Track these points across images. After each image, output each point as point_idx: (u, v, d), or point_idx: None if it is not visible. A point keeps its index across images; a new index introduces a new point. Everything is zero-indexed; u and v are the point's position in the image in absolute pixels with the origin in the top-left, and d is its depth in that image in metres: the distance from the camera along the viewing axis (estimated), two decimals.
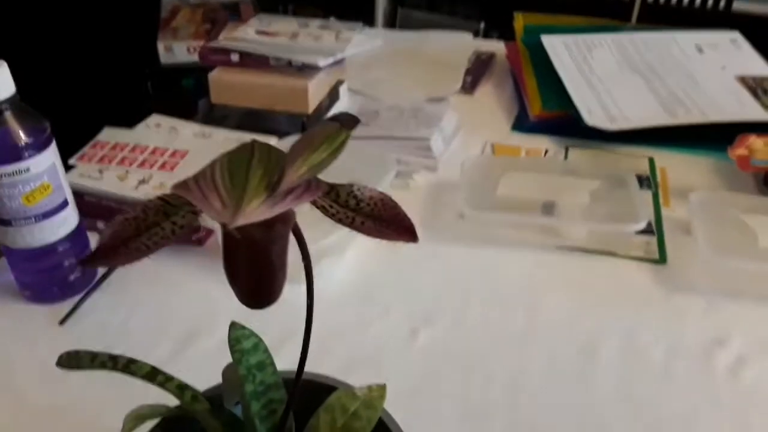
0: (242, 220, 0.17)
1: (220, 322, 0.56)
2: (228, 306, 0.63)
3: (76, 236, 0.57)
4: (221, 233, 0.22)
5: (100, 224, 0.66)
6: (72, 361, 0.31)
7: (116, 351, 0.53)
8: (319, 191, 0.19)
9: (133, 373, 0.30)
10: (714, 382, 0.52)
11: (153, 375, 0.30)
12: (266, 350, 0.33)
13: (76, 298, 0.58)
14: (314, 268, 0.64)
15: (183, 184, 0.19)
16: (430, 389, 0.51)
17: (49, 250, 0.55)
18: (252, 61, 0.79)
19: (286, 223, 0.22)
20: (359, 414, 0.32)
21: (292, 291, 0.59)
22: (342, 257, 0.63)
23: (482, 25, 1.90)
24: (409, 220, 0.24)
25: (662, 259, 0.64)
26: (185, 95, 1.27)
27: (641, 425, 0.48)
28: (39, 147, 0.51)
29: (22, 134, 0.50)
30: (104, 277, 0.60)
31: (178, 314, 0.58)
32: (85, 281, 0.59)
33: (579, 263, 0.64)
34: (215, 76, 0.79)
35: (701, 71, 0.90)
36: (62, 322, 0.56)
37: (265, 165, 0.20)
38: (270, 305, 0.23)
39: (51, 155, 0.53)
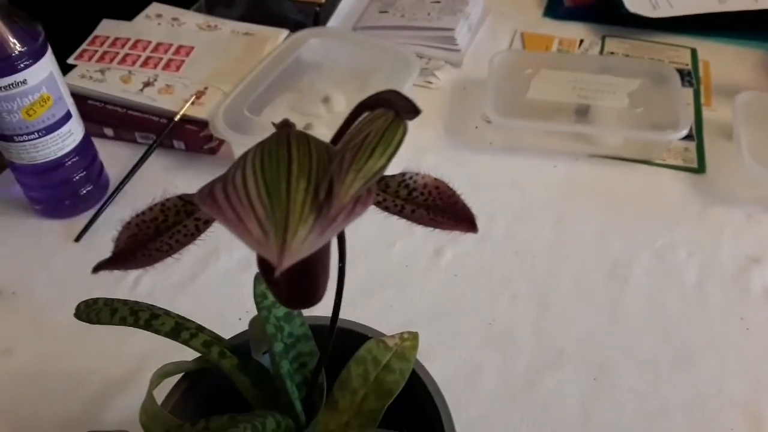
0: (290, 260, 0.14)
1: (238, 244, 0.55)
2: None
3: (83, 148, 0.54)
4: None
5: (107, 130, 0.62)
6: (91, 314, 0.30)
7: (136, 273, 0.53)
8: (371, 197, 0.16)
9: (156, 331, 0.29)
10: (747, 303, 0.50)
11: (177, 332, 0.29)
12: None
13: (90, 212, 0.56)
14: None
15: (211, 199, 0.16)
16: (454, 309, 0.50)
17: (57, 164, 0.52)
18: None
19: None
20: (392, 366, 0.31)
21: None
22: None
23: None
24: (468, 209, 0.21)
25: (701, 168, 0.61)
26: None
27: (670, 348, 0.47)
28: (34, 56, 0.47)
29: (14, 42, 0.45)
30: (118, 189, 0.58)
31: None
32: (98, 193, 0.57)
33: (612, 173, 0.61)
34: None
35: None
36: (77, 238, 0.54)
37: (308, 173, 0.16)
38: (312, 306, 0.21)
39: (48, 64, 0.48)
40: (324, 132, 0.55)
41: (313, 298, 0.20)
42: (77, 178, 0.54)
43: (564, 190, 0.59)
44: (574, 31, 0.77)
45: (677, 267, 0.53)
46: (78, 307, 0.31)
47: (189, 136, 0.60)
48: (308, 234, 0.15)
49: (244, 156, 0.18)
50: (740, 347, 0.47)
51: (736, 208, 0.57)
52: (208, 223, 0.20)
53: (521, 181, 0.60)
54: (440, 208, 0.20)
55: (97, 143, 0.58)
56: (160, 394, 0.31)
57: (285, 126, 0.20)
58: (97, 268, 0.20)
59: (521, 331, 0.48)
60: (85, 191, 0.55)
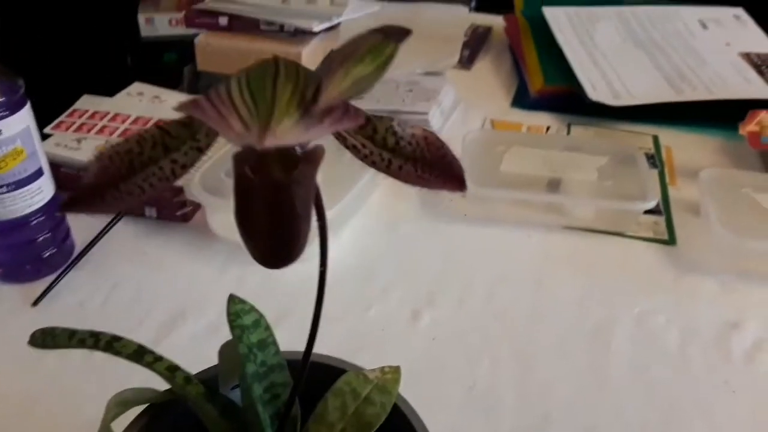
0: (272, 141, 0.14)
1: (208, 305, 0.53)
2: (216, 287, 0.59)
3: (52, 209, 0.53)
4: (234, 176, 0.18)
5: None
6: (47, 339, 0.27)
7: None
8: (360, 118, 0.16)
9: (117, 352, 0.27)
10: (730, 367, 0.49)
11: (140, 354, 0.27)
12: (268, 327, 0.29)
13: (51, 277, 0.54)
14: (308, 248, 0.60)
15: (191, 103, 0.15)
16: (434, 373, 0.48)
17: (22, 223, 0.51)
18: (241, 24, 0.74)
19: (313, 162, 0.18)
20: (372, 399, 0.29)
21: (284, 271, 0.56)
22: (338, 236, 0.59)
23: (473, 3, 1.86)
24: (458, 163, 0.20)
25: (671, 239, 0.62)
26: (168, 69, 1.22)
27: (655, 411, 0.46)
28: (11, 107, 0.47)
29: None
30: (82, 253, 0.56)
31: (163, 295, 0.54)
32: (62, 258, 0.55)
33: (586, 243, 0.61)
34: (202, 41, 0.74)
35: (706, 47, 0.87)
36: (35, 303, 0.52)
37: (295, 81, 0.16)
38: (291, 263, 0.19)
39: (25, 117, 0.48)
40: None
41: (292, 252, 0.18)
42: (41, 239, 0.53)
43: (540, 259, 0.59)
44: (541, 119, 0.81)
45: (658, 332, 0.52)
46: (33, 335, 0.29)
47: (162, 202, 0.59)
48: (293, 126, 0.14)
49: (230, 77, 0.18)
50: (727, 410, 0.46)
51: (709, 278, 0.57)
52: (185, 167, 0.19)
53: (497, 250, 0.60)
54: (428, 162, 0.20)
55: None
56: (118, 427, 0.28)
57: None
58: (64, 207, 0.18)
59: (504, 395, 0.46)
60: (48, 254, 0.53)
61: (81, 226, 0.58)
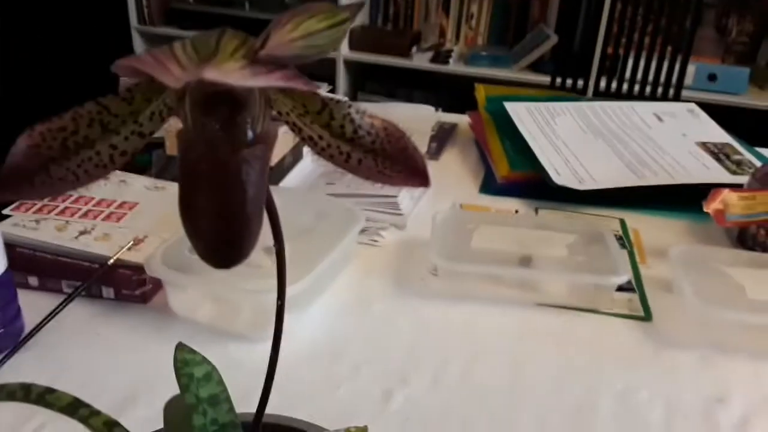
0: (212, 73, 0.12)
1: (162, 387, 0.48)
2: (170, 370, 0.56)
3: (2, 285, 0.50)
4: (179, 158, 0.16)
5: (32, 279, 0.59)
6: None
7: (38, 420, 0.45)
8: (313, 87, 0.15)
9: (49, 405, 0.24)
10: None
11: (74, 407, 0.24)
12: (221, 382, 0.27)
13: None
14: (269, 328, 0.57)
15: (129, 59, 0.14)
16: None
17: None
18: None
19: (265, 142, 0.17)
20: None
21: (248, 351, 0.53)
22: (306, 312, 0.57)
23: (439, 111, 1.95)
24: (421, 157, 0.19)
25: (647, 315, 0.61)
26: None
27: None
28: None
29: None
30: (31, 334, 0.52)
31: (114, 379, 0.50)
32: (9, 339, 0.51)
33: (562, 320, 0.59)
34: (172, 125, 0.74)
35: (663, 137, 0.90)
36: None
37: (242, 38, 0.15)
38: (239, 261, 0.17)
39: None
40: (269, 283, 0.53)
41: (241, 245, 0.17)
42: None
43: (516, 336, 0.57)
44: (508, 204, 0.81)
45: (642, 409, 0.50)
46: None
47: (120, 281, 0.57)
48: (238, 68, 0.13)
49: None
50: None
51: (689, 352, 0.56)
52: (124, 154, 0.17)
53: (472, 327, 0.58)
54: (389, 155, 0.19)
55: (20, 293, 0.53)
56: None
57: None
58: None
59: None
60: None
61: (33, 310, 0.55)
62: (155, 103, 0.17)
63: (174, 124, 0.65)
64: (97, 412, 0.24)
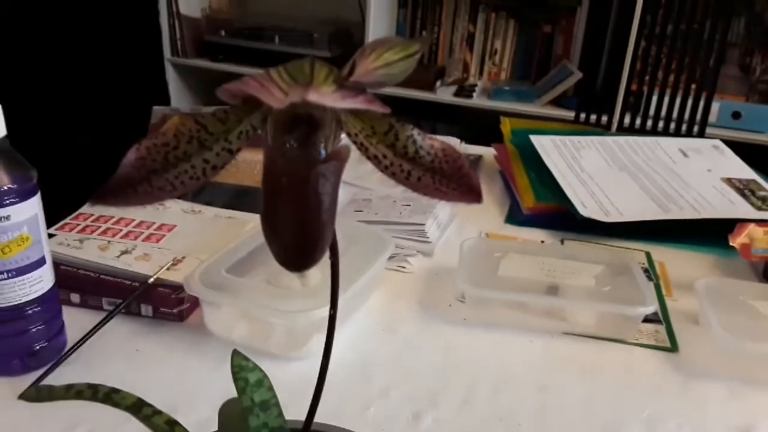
0: (314, 96, 0.15)
1: (199, 402, 0.51)
2: (209, 385, 0.57)
3: (49, 300, 0.52)
4: (263, 174, 0.19)
5: (74, 296, 0.61)
6: (42, 393, 0.26)
7: (82, 430, 0.47)
8: (387, 109, 0.17)
9: (115, 404, 0.25)
10: None
11: (138, 407, 0.25)
12: (271, 388, 0.28)
13: (40, 371, 0.52)
14: (304, 346, 0.58)
15: (236, 83, 0.16)
16: None
17: (18, 310, 0.50)
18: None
19: (338, 159, 0.19)
20: None
21: (281, 368, 0.54)
22: (336, 336, 0.58)
23: (463, 143, 1.97)
24: (475, 177, 0.21)
25: (674, 346, 0.61)
26: None
27: None
28: (22, 195, 0.48)
29: (5, 178, 0.47)
30: (73, 348, 0.54)
31: (153, 393, 0.50)
32: (52, 353, 0.53)
33: (589, 349, 0.60)
34: None
35: (688, 173, 0.91)
36: (21, 396, 0.49)
37: (330, 67, 0.17)
38: (313, 264, 0.19)
39: (35, 206, 0.49)
40: (300, 303, 0.54)
41: (314, 250, 0.18)
42: (34, 330, 0.51)
43: (543, 363, 0.58)
44: (534, 234, 0.83)
45: None
46: (26, 391, 0.27)
47: (159, 300, 0.59)
48: (331, 92, 0.15)
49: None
50: None
51: (716, 383, 0.56)
52: (215, 168, 0.20)
53: (499, 354, 0.59)
54: (446, 173, 0.20)
55: (63, 309, 0.56)
56: None
57: None
58: (95, 199, 0.18)
59: None
60: (39, 347, 0.52)
61: (75, 326, 0.57)
62: (244, 123, 0.19)
63: None
64: (159, 412, 0.26)
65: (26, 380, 0.51)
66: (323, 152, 0.19)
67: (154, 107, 1.48)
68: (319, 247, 0.19)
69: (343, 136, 0.20)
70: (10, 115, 0.48)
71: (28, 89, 1.61)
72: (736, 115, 1.86)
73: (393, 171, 0.21)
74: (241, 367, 0.27)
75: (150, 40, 2.11)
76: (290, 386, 0.48)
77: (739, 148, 1.02)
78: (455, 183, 0.21)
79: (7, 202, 0.47)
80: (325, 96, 0.15)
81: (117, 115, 1.72)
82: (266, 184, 0.19)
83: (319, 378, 0.25)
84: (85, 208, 0.71)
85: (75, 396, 0.26)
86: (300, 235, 0.19)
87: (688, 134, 1.48)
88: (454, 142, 1.15)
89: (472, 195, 0.21)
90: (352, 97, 0.16)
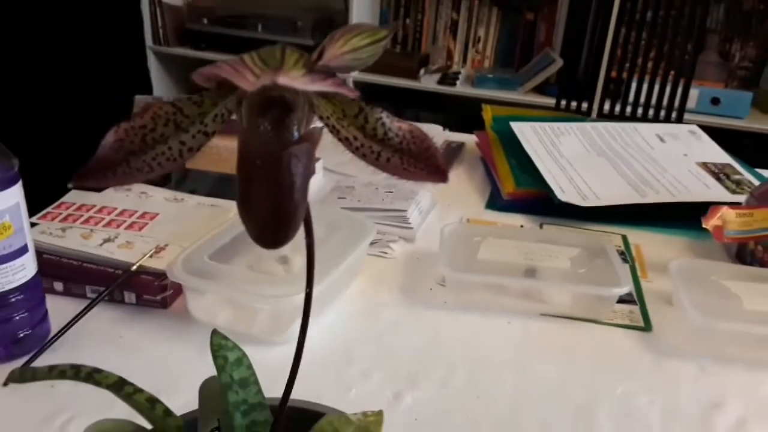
0: (284, 79, 0.15)
1: (183, 386, 0.51)
2: (192, 369, 0.58)
3: (32, 288, 0.53)
4: (238, 155, 0.19)
5: (57, 284, 0.61)
6: (26, 374, 0.27)
7: (65, 416, 0.48)
8: (355, 93, 0.18)
9: (97, 383, 0.26)
10: None
11: (120, 386, 0.26)
12: (250, 366, 0.29)
13: (24, 359, 0.52)
14: (287, 330, 0.59)
15: (210, 67, 0.17)
16: None
17: (0, 299, 0.50)
18: (230, 125, 0.78)
19: (310, 140, 0.20)
20: None
21: (265, 353, 0.55)
22: (318, 320, 0.60)
23: (446, 130, 1.98)
24: (441, 156, 0.22)
25: (647, 326, 0.63)
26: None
27: None
28: (4, 183, 0.48)
29: None
30: (57, 335, 0.55)
31: (136, 380, 0.51)
32: (36, 340, 0.54)
33: (565, 329, 0.62)
34: None
35: (665, 157, 0.93)
36: (6, 383, 0.50)
37: (300, 53, 0.18)
38: (286, 241, 0.20)
39: (16, 194, 0.49)
40: (283, 289, 0.55)
41: (288, 226, 0.19)
42: (18, 318, 0.52)
43: (520, 343, 0.59)
44: (514, 219, 0.84)
45: (640, 412, 0.52)
46: (11, 372, 0.28)
47: (142, 287, 0.59)
48: (301, 76, 0.16)
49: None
50: None
51: (687, 361, 0.58)
52: (191, 150, 0.21)
53: (478, 335, 0.60)
54: (414, 154, 0.21)
55: (46, 298, 0.56)
56: None
57: None
58: (76, 179, 0.19)
59: None
60: (22, 334, 0.52)
61: (59, 314, 0.58)
62: (219, 107, 0.20)
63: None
64: (140, 390, 0.27)
65: (10, 367, 0.51)
66: (296, 134, 0.20)
67: (136, 96, 1.47)
68: (292, 224, 0.20)
69: (316, 119, 0.21)
70: None
71: (9, 78, 1.60)
72: (716, 101, 1.89)
73: (363, 152, 0.22)
74: (221, 346, 0.28)
75: (131, 28, 2.09)
76: (274, 369, 0.49)
77: (718, 134, 1.04)
78: (422, 163, 0.22)
79: None
80: (295, 79, 0.16)
81: (99, 103, 1.71)
82: (241, 165, 0.20)
83: (296, 353, 0.26)
84: (68, 197, 0.71)
85: (58, 376, 0.26)
86: (273, 213, 0.20)
87: (667, 120, 1.50)
88: (437, 129, 1.16)
89: (438, 174, 0.22)
90: (321, 81, 0.17)
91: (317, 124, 0.22)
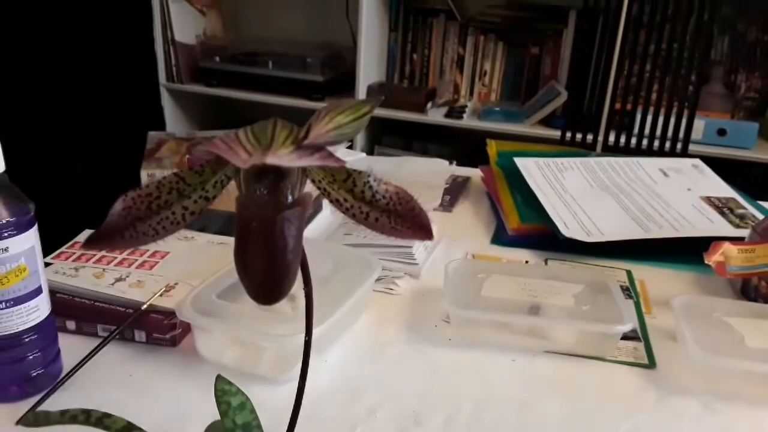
0: (272, 159, 0.17)
1: (191, 426, 0.52)
2: (200, 409, 0.59)
3: (45, 328, 0.54)
4: (236, 217, 0.21)
5: (69, 323, 0.63)
6: (39, 418, 0.28)
7: None
8: (342, 163, 0.19)
9: (107, 428, 0.27)
10: None
11: (128, 430, 0.27)
12: (253, 411, 0.30)
13: (36, 397, 0.54)
14: (292, 369, 0.60)
15: (204, 144, 0.19)
16: None
17: (14, 339, 0.52)
18: None
19: (302, 204, 0.21)
20: None
21: (271, 392, 0.56)
22: (324, 357, 0.60)
23: (453, 164, 2.01)
24: (426, 216, 0.24)
25: (651, 363, 0.63)
26: None
27: None
28: (20, 227, 0.50)
29: (4, 212, 0.49)
30: (69, 375, 0.56)
31: (145, 417, 0.53)
32: (48, 379, 0.55)
33: (569, 367, 0.62)
34: None
35: (668, 192, 0.94)
36: (19, 422, 0.51)
37: (290, 128, 0.20)
38: (280, 298, 0.21)
39: (32, 238, 0.51)
40: (290, 328, 0.56)
41: (281, 287, 0.21)
42: (31, 357, 0.53)
43: (524, 382, 0.60)
44: (519, 255, 0.85)
45: None
46: (24, 416, 0.29)
47: (152, 326, 0.61)
48: (289, 153, 0.17)
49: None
50: None
51: (691, 399, 0.58)
52: (193, 214, 0.22)
53: (482, 373, 0.61)
54: (400, 214, 0.23)
55: (58, 336, 0.58)
56: None
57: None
58: (87, 244, 0.21)
59: None
60: (35, 374, 0.54)
61: (71, 353, 0.59)
62: (219, 174, 0.22)
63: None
64: None
65: (24, 406, 0.53)
66: (290, 198, 0.21)
67: (149, 132, 1.51)
68: (285, 283, 0.21)
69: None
70: (6, 143, 0.50)
71: (25, 117, 1.64)
72: (722, 132, 1.90)
73: (353, 213, 0.24)
74: (224, 391, 0.29)
75: (145, 66, 2.14)
76: (280, 407, 0.50)
77: (725, 164, 1.04)
78: (408, 222, 0.23)
79: (6, 234, 0.49)
80: (283, 157, 0.18)
81: (113, 140, 1.75)
82: (238, 227, 0.21)
83: (296, 400, 0.27)
84: (81, 236, 0.73)
85: (69, 420, 0.28)
86: (267, 273, 0.21)
87: (672, 152, 1.51)
88: (442, 164, 1.18)
89: (423, 232, 0.24)
90: (307, 156, 0.18)
91: (309, 187, 0.23)
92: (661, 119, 1.51)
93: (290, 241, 0.21)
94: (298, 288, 0.68)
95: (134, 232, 0.21)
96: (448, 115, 2.03)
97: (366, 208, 0.23)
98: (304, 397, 0.27)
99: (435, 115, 2.04)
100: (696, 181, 0.98)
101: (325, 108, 0.21)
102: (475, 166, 1.13)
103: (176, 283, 0.65)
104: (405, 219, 0.24)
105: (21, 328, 0.52)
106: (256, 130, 0.20)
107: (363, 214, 0.24)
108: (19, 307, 0.51)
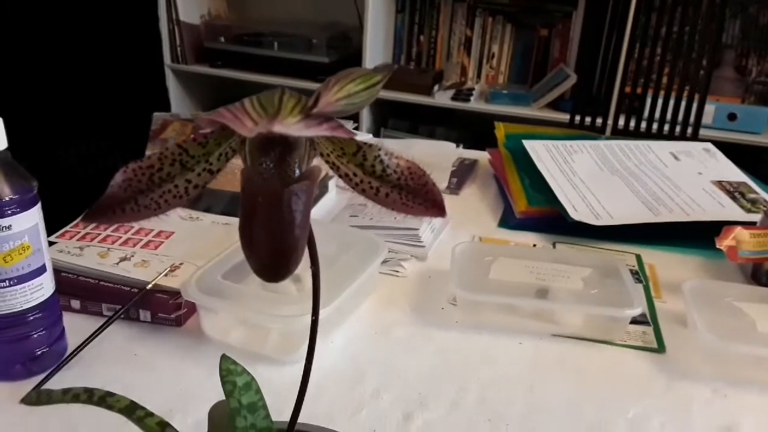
0: (279, 127, 0.16)
1: (196, 404, 0.52)
2: (205, 388, 0.59)
3: (49, 306, 0.54)
4: (241, 190, 0.20)
5: (74, 302, 0.62)
6: (42, 396, 0.28)
7: None
8: (351, 134, 0.18)
9: (110, 407, 0.27)
10: None
11: (131, 409, 0.27)
12: (258, 391, 0.30)
13: (41, 375, 0.53)
14: (298, 350, 0.60)
15: (209, 113, 0.18)
16: None
17: (19, 317, 0.51)
18: None
19: (310, 178, 0.20)
20: None
21: (276, 372, 0.55)
22: (330, 338, 0.60)
23: (461, 147, 1.99)
24: (439, 192, 0.23)
25: (661, 347, 0.62)
26: None
27: None
28: (23, 205, 0.49)
29: (7, 189, 0.48)
30: (73, 353, 0.56)
31: (151, 396, 0.53)
32: (53, 358, 0.55)
33: (576, 350, 0.62)
34: None
35: (679, 176, 0.93)
36: (22, 400, 0.51)
37: (298, 98, 0.19)
38: (287, 275, 0.21)
39: (35, 216, 0.51)
40: (295, 308, 0.56)
41: (288, 262, 0.20)
42: (36, 336, 0.53)
43: (532, 364, 0.59)
44: (527, 238, 0.84)
45: None
46: (27, 395, 0.29)
47: (157, 305, 0.60)
48: (297, 122, 0.17)
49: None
50: None
51: (700, 384, 0.57)
52: (197, 187, 0.21)
53: (489, 355, 0.60)
54: (412, 189, 0.22)
55: (63, 315, 0.57)
56: None
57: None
58: (87, 217, 0.20)
59: None
60: (40, 352, 0.53)
61: (75, 332, 0.59)
62: (223, 146, 0.21)
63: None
64: (151, 414, 0.27)
65: (28, 384, 0.53)
66: (297, 171, 0.20)
67: (154, 113, 1.50)
68: (292, 260, 0.21)
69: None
70: (10, 123, 0.50)
71: (29, 97, 1.63)
72: (732, 117, 1.87)
73: (363, 188, 0.23)
74: (230, 371, 0.28)
75: (150, 46, 2.13)
76: (285, 388, 0.49)
77: (736, 149, 1.03)
78: (420, 198, 0.22)
79: (9, 212, 0.48)
80: (290, 126, 0.17)
81: (118, 121, 1.74)
82: (244, 201, 0.21)
83: (302, 380, 0.26)
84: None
85: (72, 399, 0.27)
86: (274, 249, 0.20)
87: (683, 136, 1.50)
88: (450, 146, 1.16)
89: (436, 209, 0.23)
90: (316, 126, 0.17)
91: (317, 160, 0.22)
92: (671, 103, 1.49)
93: (297, 216, 0.20)
94: (303, 268, 0.67)
95: (135, 206, 0.20)
96: (455, 98, 2.01)
97: (376, 183, 0.22)
98: (309, 378, 0.27)
99: (442, 98, 2.02)
100: (707, 165, 0.97)
101: (335, 76, 0.20)
102: (482, 149, 1.12)
103: (181, 263, 0.64)
104: (417, 195, 0.23)
105: (25, 307, 0.51)
106: (262, 98, 0.19)
107: (373, 190, 0.23)
108: (23, 285, 0.51)
